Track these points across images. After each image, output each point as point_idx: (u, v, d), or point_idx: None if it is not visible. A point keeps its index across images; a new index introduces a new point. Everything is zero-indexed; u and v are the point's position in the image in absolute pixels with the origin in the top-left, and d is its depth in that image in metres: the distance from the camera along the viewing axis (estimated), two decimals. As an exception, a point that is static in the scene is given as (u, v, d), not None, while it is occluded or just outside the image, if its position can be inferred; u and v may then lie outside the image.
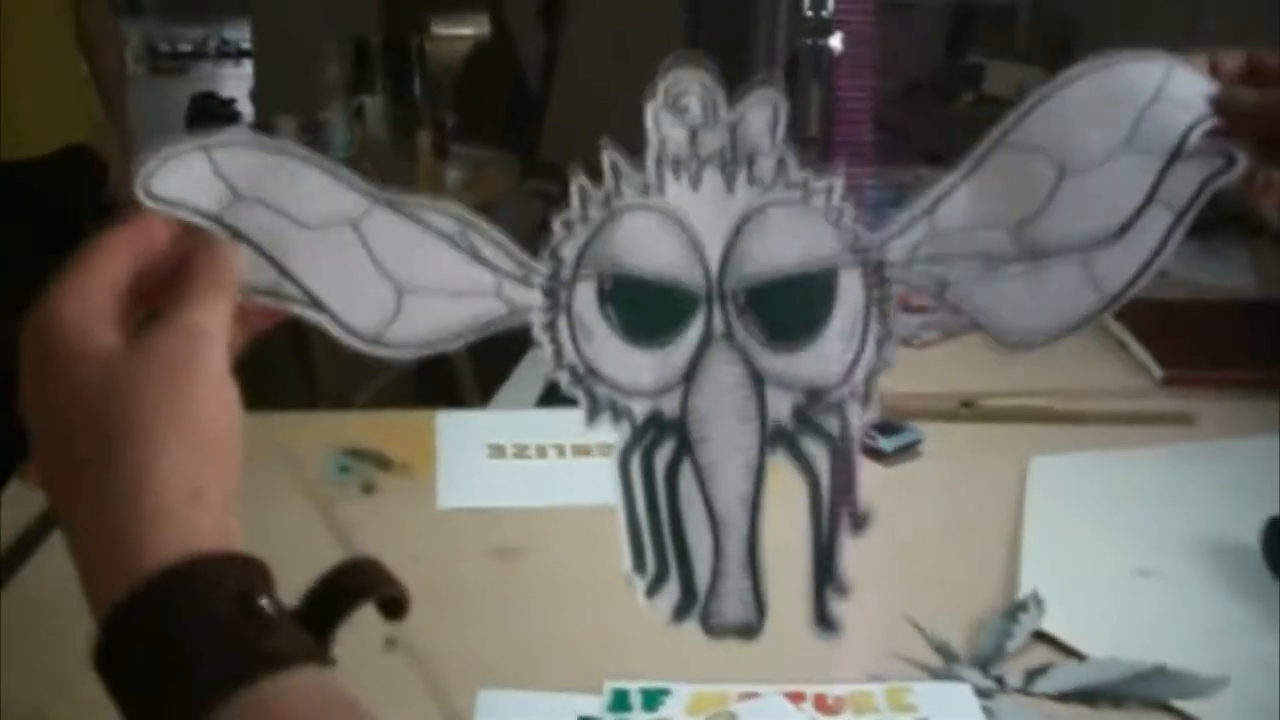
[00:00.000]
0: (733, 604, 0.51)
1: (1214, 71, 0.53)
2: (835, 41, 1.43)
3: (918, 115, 3.45)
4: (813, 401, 0.49)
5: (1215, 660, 0.98)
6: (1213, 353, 1.58)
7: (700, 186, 0.48)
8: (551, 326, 0.49)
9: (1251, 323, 1.69)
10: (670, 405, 0.49)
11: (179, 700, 0.42)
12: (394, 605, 0.55)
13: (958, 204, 0.51)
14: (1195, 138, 0.50)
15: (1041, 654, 1.03)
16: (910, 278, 0.51)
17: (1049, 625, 1.05)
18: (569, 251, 0.49)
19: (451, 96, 4.24)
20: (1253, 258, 1.94)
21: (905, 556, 1.16)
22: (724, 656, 1.01)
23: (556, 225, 0.49)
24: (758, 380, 0.49)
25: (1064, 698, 0.97)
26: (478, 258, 0.48)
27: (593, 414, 0.50)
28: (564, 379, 0.50)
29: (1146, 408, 1.49)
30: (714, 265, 0.49)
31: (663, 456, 0.50)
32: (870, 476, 1.30)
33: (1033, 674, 0.99)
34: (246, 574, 0.47)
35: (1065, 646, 1.03)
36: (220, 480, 0.47)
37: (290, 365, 2.58)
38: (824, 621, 0.55)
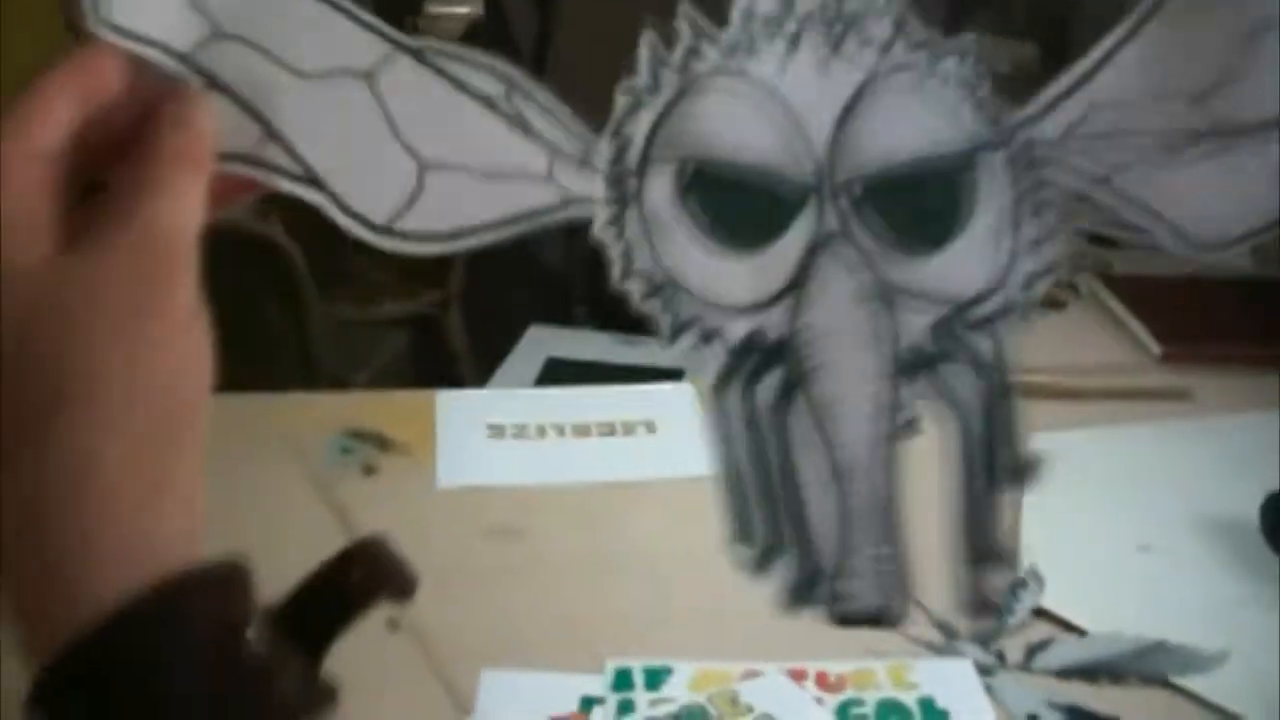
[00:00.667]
0: (867, 583, 0.41)
1: None
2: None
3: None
4: (957, 317, 0.40)
5: (1215, 635, 0.99)
6: (1211, 329, 1.58)
7: (800, 49, 0.38)
8: (618, 222, 0.39)
9: (1250, 299, 1.68)
10: (776, 323, 0.39)
11: None
12: (402, 589, 0.45)
13: (1125, 68, 0.41)
14: None
15: (1042, 630, 1.03)
16: (1069, 161, 0.41)
17: (1049, 601, 1.05)
18: (639, 129, 0.38)
19: (446, 75, 4.21)
20: (1250, 233, 1.93)
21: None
22: (726, 634, 1.02)
23: (621, 96, 0.39)
24: (886, 292, 0.40)
25: (1064, 674, 0.98)
26: (526, 129, 0.38)
27: (675, 333, 0.39)
28: (636, 290, 0.39)
29: (1144, 384, 1.49)
30: (822, 149, 0.38)
31: (768, 389, 0.38)
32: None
33: (1033, 649, 1.00)
34: (228, 597, 0.37)
35: (1065, 622, 1.03)
36: (189, 458, 0.38)
37: (285, 345, 2.57)
38: (979, 604, 0.44)
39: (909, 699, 0.93)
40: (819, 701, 0.94)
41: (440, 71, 0.37)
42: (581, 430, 1.36)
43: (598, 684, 0.95)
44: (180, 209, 0.35)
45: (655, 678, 0.96)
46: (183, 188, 0.35)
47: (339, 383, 2.65)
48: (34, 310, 0.32)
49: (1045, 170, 0.41)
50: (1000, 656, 0.99)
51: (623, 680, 0.95)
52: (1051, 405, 1.44)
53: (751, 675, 0.96)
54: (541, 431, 1.35)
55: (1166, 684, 0.96)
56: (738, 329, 0.38)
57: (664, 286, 0.38)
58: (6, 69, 2.44)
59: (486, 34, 4.79)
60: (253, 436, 1.33)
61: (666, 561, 1.13)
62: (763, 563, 0.40)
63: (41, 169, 0.34)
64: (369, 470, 1.27)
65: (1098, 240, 0.54)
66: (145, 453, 0.34)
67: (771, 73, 0.38)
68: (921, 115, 0.40)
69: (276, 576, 1.08)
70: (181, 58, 0.36)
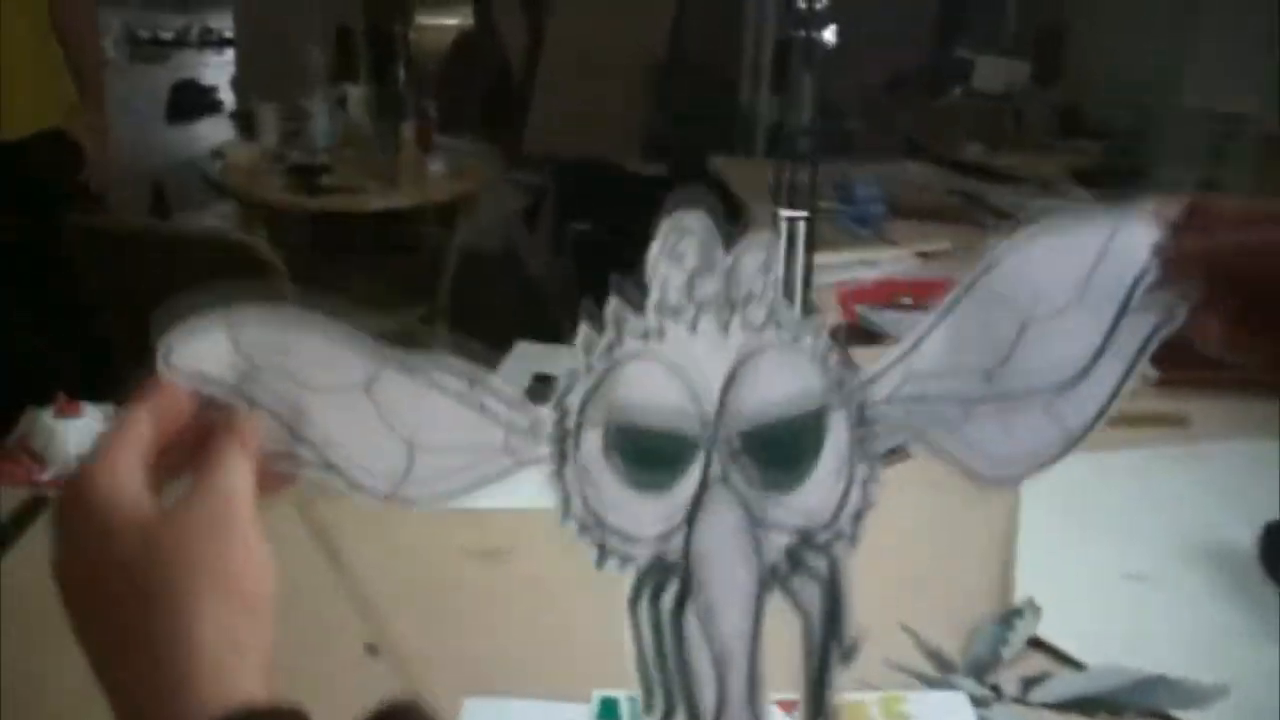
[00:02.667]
0: None
1: (1159, 219, 0.55)
2: (828, 34, 1.41)
3: (904, 108, 3.43)
4: (803, 543, 0.51)
5: (1213, 667, 0.97)
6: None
7: (698, 330, 0.49)
8: (559, 476, 0.51)
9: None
10: (674, 549, 0.50)
11: None
12: None
13: (934, 348, 0.53)
14: (1140, 291, 0.54)
15: (1038, 662, 1.01)
16: (892, 417, 0.53)
17: (1044, 631, 1.03)
18: (574, 401, 0.49)
19: (434, 86, 4.20)
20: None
21: (897, 560, 1.14)
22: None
23: (562, 375, 0.50)
24: (754, 523, 0.50)
25: (1061, 707, 0.95)
26: (486, 414, 0.50)
27: (601, 560, 0.51)
28: (572, 528, 0.51)
29: (1139, 409, 1.47)
30: (711, 411, 0.50)
31: (668, 598, 0.50)
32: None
33: (1029, 683, 0.97)
34: None
35: (1062, 654, 1.01)
36: (259, 633, 0.49)
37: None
38: None
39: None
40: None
41: (420, 376, 0.49)
42: (568, 449, 1.33)
43: (583, 715, 0.92)
44: (237, 477, 0.49)
45: (642, 709, 0.93)
46: (235, 466, 0.49)
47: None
48: (146, 546, 0.47)
49: (874, 426, 0.52)
50: (995, 689, 0.97)
51: (609, 711, 0.92)
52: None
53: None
54: (527, 450, 1.33)
55: (1165, 719, 0.93)
56: (646, 554, 0.49)
57: (593, 525, 0.49)
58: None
59: (476, 44, 4.79)
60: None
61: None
62: (661, 730, 0.45)
63: (138, 466, 0.49)
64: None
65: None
66: (226, 626, 0.47)
67: (674, 352, 0.49)
68: (785, 383, 0.50)
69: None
70: (230, 388, 0.49)
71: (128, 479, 0.48)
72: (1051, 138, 3.19)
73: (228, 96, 5.96)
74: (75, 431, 1.25)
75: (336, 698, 0.95)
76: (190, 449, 0.50)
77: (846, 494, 0.51)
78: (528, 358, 2.21)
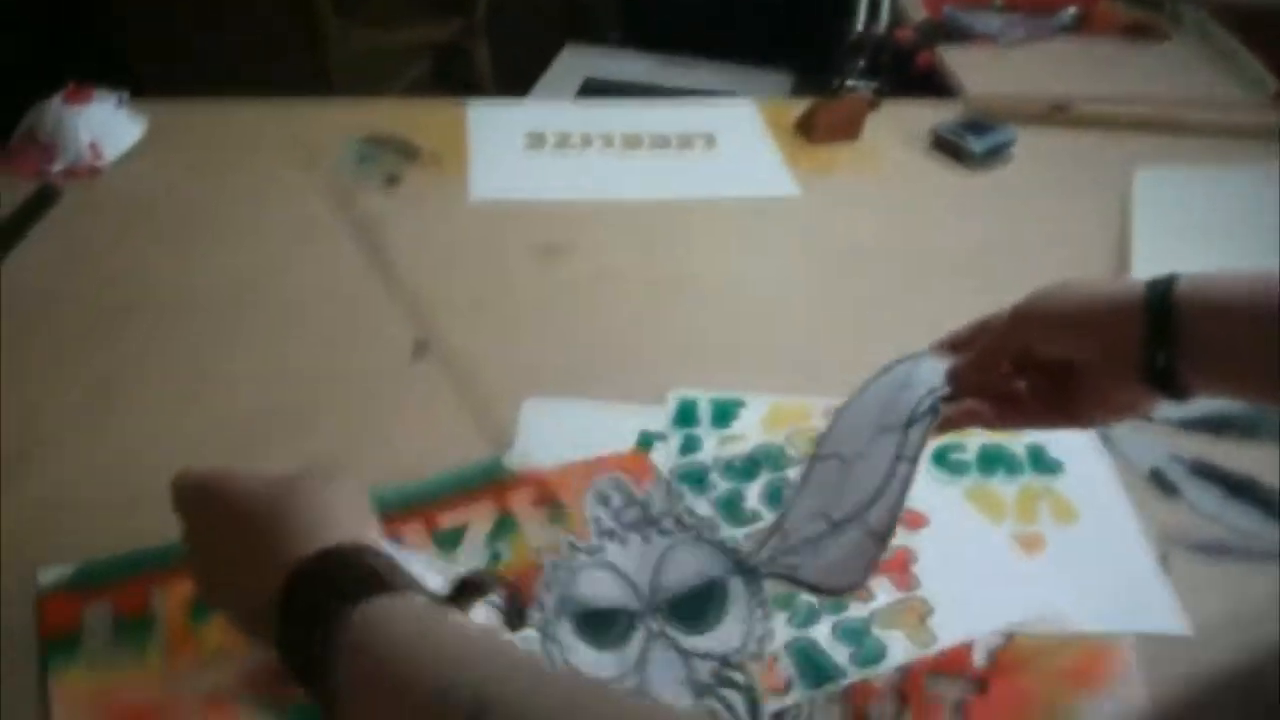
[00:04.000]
0: None
1: (942, 351, 0.70)
2: None
3: None
4: (724, 665, 0.66)
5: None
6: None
7: (628, 544, 0.71)
8: (545, 649, 0.66)
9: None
10: (630, 683, 0.65)
11: (328, 614, 0.49)
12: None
13: (797, 512, 0.70)
14: (925, 405, 0.67)
15: (1162, 378, 0.90)
16: (774, 570, 0.69)
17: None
18: (550, 602, 0.68)
19: None
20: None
21: (996, 258, 1.03)
22: (801, 370, 0.90)
23: (541, 589, 0.69)
24: (684, 656, 0.66)
25: (1188, 425, 0.85)
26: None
27: None
28: None
29: (1256, 121, 1.33)
30: (645, 591, 0.69)
31: None
32: (958, 179, 1.18)
33: (1155, 400, 0.88)
34: (377, 551, 0.54)
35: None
36: (361, 507, 0.58)
37: (304, 67, 2.39)
38: None
39: (1016, 447, 0.81)
40: (913, 447, 0.82)
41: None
42: (632, 142, 1.20)
43: (658, 417, 0.83)
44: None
45: (724, 412, 0.83)
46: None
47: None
48: (275, 497, 0.56)
49: (762, 580, 0.70)
50: (1116, 405, 0.87)
51: (686, 414, 0.83)
52: (1153, 138, 1.29)
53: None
54: (587, 141, 1.20)
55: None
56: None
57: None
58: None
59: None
60: (266, 143, 1.18)
61: (733, 289, 0.99)
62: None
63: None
64: (392, 180, 1.13)
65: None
66: (352, 521, 0.56)
67: (613, 557, 0.70)
68: (695, 563, 0.70)
69: (295, 286, 0.96)
70: None
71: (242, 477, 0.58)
72: None
73: None
74: (85, 119, 1.14)
75: (384, 394, 0.87)
76: None
77: (750, 630, 0.67)
78: (578, 62, 2.07)
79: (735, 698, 0.64)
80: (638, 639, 0.67)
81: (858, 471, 0.68)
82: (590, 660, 0.66)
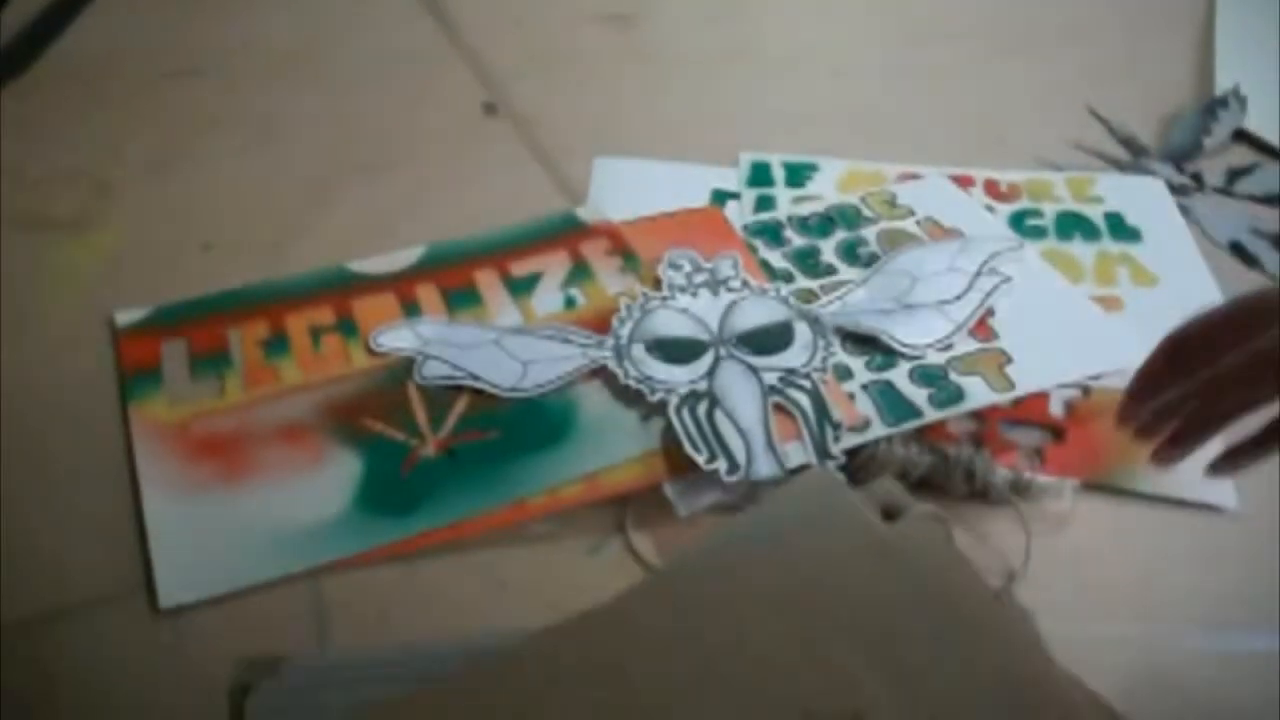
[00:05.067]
0: (764, 465, 0.64)
1: None
2: None
3: None
4: (789, 375, 0.69)
5: None
6: None
7: (698, 298, 0.74)
8: (620, 364, 0.69)
9: None
10: (701, 386, 0.68)
11: None
12: None
13: (857, 296, 0.74)
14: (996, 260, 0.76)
15: (1243, 154, 0.88)
16: (833, 320, 0.72)
17: (1251, 124, 0.90)
18: (624, 333, 0.71)
19: None
20: None
21: (1083, 48, 1.00)
22: (875, 136, 0.88)
23: (616, 318, 0.72)
24: (752, 370, 0.69)
25: (1270, 200, 0.84)
26: (568, 342, 0.70)
27: (653, 392, 0.67)
28: (630, 383, 0.68)
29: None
30: (715, 329, 0.72)
31: (702, 408, 0.66)
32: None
33: (1236, 173, 0.86)
34: None
35: (1270, 147, 0.88)
36: None
37: None
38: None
39: (1093, 213, 0.80)
40: (989, 210, 0.80)
41: (536, 334, 0.72)
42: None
43: (730, 177, 0.82)
44: None
45: (798, 174, 0.82)
46: None
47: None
48: None
49: (823, 324, 0.72)
50: (1197, 178, 0.85)
51: (760, 174, 0.82)
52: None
53: (910, 178, 0.82)
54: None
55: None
56: (682, 390, 0.67)
57: (642, 379, 0.68)
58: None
59: None
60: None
61: (806, 55, 0.97)
62: (710, 461, 0.64)
63: None
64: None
65: None
66: None
67: (686, 303, 0.74)
68: (764, 310, 0.73)
69: (361, 49, 0.94)
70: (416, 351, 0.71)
71: None
72: None
73: None
74: None
75: (455, 152, 0.86)
76: None
77: (812, 357, 0.70)
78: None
79: (801, 398, 0.67)
80: (707, 358, 0.69)
81: (934, 282, 0.75)
82: (660, 372, 0.68)
